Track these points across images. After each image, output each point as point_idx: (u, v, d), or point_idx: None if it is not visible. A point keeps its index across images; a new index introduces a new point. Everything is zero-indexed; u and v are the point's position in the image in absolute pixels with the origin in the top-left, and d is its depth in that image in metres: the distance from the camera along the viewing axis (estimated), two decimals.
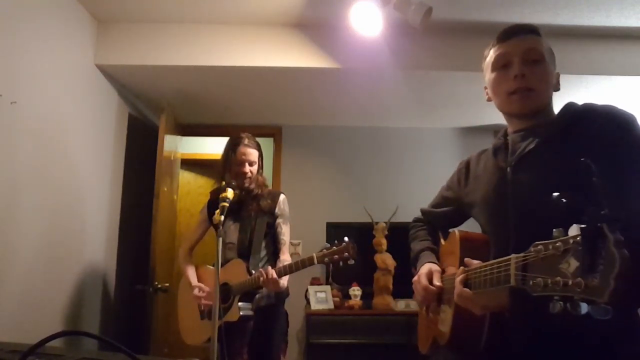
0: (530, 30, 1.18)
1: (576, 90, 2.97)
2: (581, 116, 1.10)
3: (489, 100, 1.29)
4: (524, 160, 1.13)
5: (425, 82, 3.02)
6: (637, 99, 3.15)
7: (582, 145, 1.04)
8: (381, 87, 3.10)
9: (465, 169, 1.37)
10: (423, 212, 1.56)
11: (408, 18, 2.20)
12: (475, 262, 1.05)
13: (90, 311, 2.75)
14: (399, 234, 2.88)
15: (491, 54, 1.23)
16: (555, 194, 0.75)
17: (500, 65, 1.19)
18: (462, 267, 1.07)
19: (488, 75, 1.25)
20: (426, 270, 1.30)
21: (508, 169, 1.15)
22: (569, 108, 1.15)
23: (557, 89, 1.20)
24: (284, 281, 2.10)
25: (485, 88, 1.30)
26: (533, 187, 1.09)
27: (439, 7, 2.31)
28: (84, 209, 2.66)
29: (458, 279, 1.05)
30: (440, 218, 1.48)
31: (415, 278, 1.32)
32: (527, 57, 1.15)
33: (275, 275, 2.00)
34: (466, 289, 1.02)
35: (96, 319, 2.84)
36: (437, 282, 1.25)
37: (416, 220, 1.59)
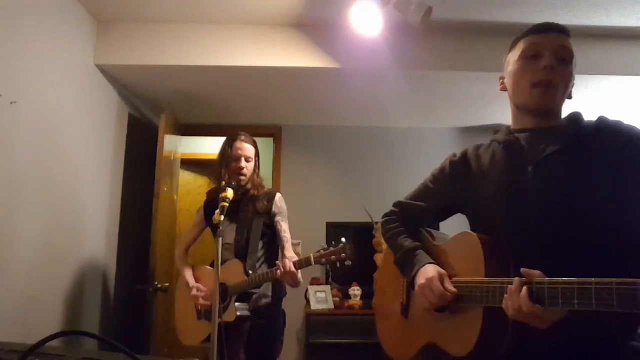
0: (564, 31, 1.19)
1: (576, 90, 2.93)
2: (600, 128, 1.12)
3: (502, 90, 1.28)
4: (547, 160, 1.12)
5: (425, 82, 3.01)
6: (637, 99, 3.15)
7: (609, 157, 1.06)
8: (381, 87, 3.10)
9: (463, 164, 1.33)
10: (402, 205, 1.44)
11: (408, 18, 2.19)
12: (537, 273, 0.94)
13: (90, 311, 2.75)
14: None
15: (520, 45, 1.22)
16: None
17: (529, 55, 1.18)
18: (518, 279, 0.95)
19: (512, 66, 1.23)
20: (436, 273, 1.20)
21: (529, 167, 1.14)
22: (580, 117, 1.17)
23: (570, 97, 1.20)
24: (300, 275, 2.06)
25: (501, 78, 1.30)
26: (557, 188, 1.09)
27: (439, 7, 2.31)
28: (84, 209, 2.66)
29: (523, 293, 0.92)
30: (422, 212, 1.39)
31: (423, 282, 1.20)
32: (559, 54, 1.15)
33: (293, 268, 1.98)
34: (538, 306, 0.90)
35: (96, 319, 2.83)
36: (451, 287, 1.15)
37: (391, 214, 1.47)
